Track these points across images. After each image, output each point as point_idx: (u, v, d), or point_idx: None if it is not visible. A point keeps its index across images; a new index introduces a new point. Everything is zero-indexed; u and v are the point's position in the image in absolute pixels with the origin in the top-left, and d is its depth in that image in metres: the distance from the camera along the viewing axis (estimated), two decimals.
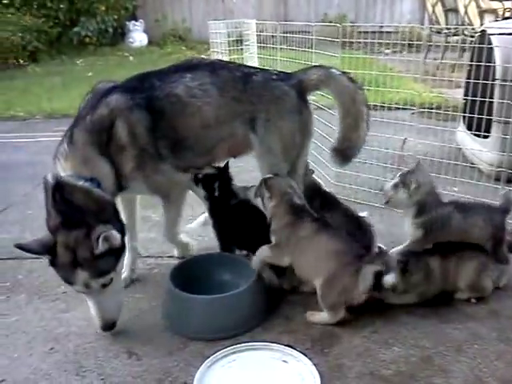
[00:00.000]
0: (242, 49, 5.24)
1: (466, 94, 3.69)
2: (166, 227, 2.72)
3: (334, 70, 2.68)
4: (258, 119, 2.47)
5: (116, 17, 11.37)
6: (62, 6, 10.71)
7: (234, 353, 2.05)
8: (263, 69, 2.68)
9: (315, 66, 2.78)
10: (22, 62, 9.90)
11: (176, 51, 10.89)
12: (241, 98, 2.46)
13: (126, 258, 2.57)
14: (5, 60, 9.54)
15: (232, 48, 5.23)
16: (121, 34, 11.88)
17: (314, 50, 3.85)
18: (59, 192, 2.10)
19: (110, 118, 2.27)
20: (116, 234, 2.08)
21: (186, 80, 2.42)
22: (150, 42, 11.88)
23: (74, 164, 2.20)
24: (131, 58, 10.23)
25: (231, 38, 5.32)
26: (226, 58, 5.20)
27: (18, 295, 2.60)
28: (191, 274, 2.44)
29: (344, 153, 2.71)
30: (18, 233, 3.25)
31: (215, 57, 5.33)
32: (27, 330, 2.30)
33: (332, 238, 2.28)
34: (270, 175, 2.45)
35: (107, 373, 2.04)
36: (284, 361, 2.02)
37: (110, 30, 11.28)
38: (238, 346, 2.08)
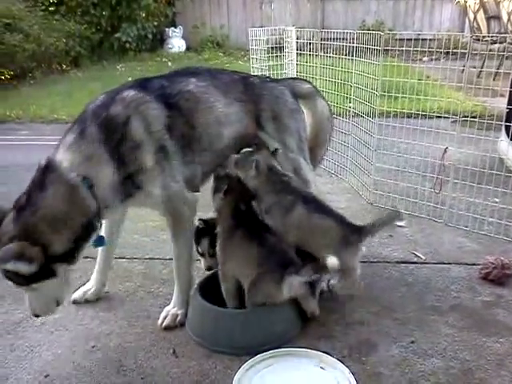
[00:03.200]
0: (279, 55, 5.26)
1: (509, 103, 3.62)
2: (177, 271, 2.39)
3: (316, 90, 2.92)
4: (263, 117, 2.53)
5: (156, 23, 11.60)
6: (104, 12, 10.99)
7: (271, 357, 2.06)
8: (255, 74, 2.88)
9: (297, 79, 2.95)
10: (64, 67, 10.21)
11: (213, 57, 11.03)
12: (243, 98, 2.51)
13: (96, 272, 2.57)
14: (49, 65, 9.85)
15: (271, 55, 5.25)
16: (160, 40, 12.11)
17: (354, 58, 3.85)
18: (43, 176, 2.02)
19: (125, 112, 2.15)
20: (23, 266, 1.90)
21: (193, 81, 2.42)
22: (188, 48, 12.07)
23: (75, 157, 2.06)
24: (170, 63, 10.40)
25: (270, 45, 5.35)
26: (264, 65, 5.23)
27: None
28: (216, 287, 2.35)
29: (314, 162, 2.84)
30: None
31: (254, 63, 5.36)
32: (70, 328, 2.37)
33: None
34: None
35: (147, 372, 2.08)
36: (321, 367, 2.02)
37: (150, 36, 11.51)
38: (276, 350, 2.08)
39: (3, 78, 8.75)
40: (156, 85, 2.31)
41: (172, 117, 2.27)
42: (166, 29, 12.02)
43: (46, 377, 2.07)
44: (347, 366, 2.01)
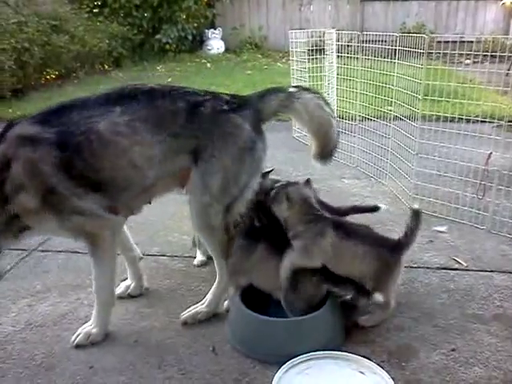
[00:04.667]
0: (317, 58, 5.26)
1: None
2: (97, 291, 2.31)
3: (293, 90, 2.48)
4: (202, 153, 2.23)
5: (196, 25, 11.74)
6: (146, 14, 11.20)
7: (310, 359, 2.06)
8: (215, 95, 2.33)
9: (270, 90, 2.45)
10: (106, 67, 10.45)
11: (252, 59, 11.08)
12: (182, 133, 2.22)
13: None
14: (92, 65, 10.10)
15: (310, 57, 5.25)
16: (199, 42, 12.25)
17: (396, 61, 3.82)
18: None
19: (7, 152, 2.06)
20: None
21: (112, 114, 2.13)
22: (227, 50, 12.16)
23: None
24: (208, 64, 10.51)
25: (310, 47, 5.35)
26: (304, 67, 5.24)
27: None
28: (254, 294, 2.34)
29: (326, 155, 2.60)
30: None
31: (294, 65, 5.38)
32: (113, 323, 2.42)
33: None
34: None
35: (187, 368, 2.12)
36: (361, 372, 2.01)
37: (190, 37, 11.65)
38: (315, 353, 2.08)
39: (48, 77, 9.03)
40: (62, 119, 2.13)
41: (67, 158, 2.09)
42: (206, 30, 12.15)
43: (90, 368, 2.14)
44: (386, 371, 2.01)
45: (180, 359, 2.18)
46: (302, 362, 2.05)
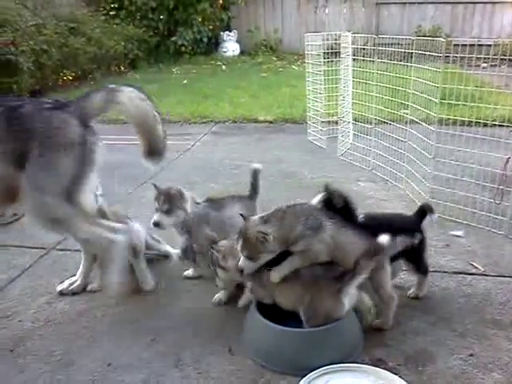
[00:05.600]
0: (332, 61, 5.26)
1: None
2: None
3: (113, 86, 2.56)
4: (29, 156, 2.22)
5: (211, 27, 11.80)
6: (162, 16, 11.28)
7: (327, 373, 2.03)
8: (35, 99, 2.47)
9: (94, 90, 2.55)
10: (122, 69, 10.55)
11: (267, 61, 11.10)
12: (2, 137, 2.21)
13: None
14: (108, 67, 10.19)
15: (326, 60, 5.26)
16: (215, 44, 12.31)
17: (413, 64, 3.81)
18: None
19: None
20: None
21: None
22: (242, 52, 12.21)
23: None
24: (224, 66, 10.55)
25: (326, 50, 5.36)
26: (319, 70, 5.25)
27: None
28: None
29: (155, 153, 2.68)
30: None
31: (309, 68, 5.39)
32: (132, 320, 2.46)
33: None
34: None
35: (203, 368, 2.14)
36: None
37: (205, 39, 11.71)
38: (332, 366, 2.05)
39: (66, 79, 9.14)
40: None
41: None
42: (221, 33, 12.21)
43: (108, 365, 2.17)
44: (403, 376, 2.00)
45: (196, 359, 2.20)
46: (319, 376, 2.02)
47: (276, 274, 2.23)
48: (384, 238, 2.16)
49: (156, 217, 2.74)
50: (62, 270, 2.96)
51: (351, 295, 2.17)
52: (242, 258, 2.26)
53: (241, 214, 2.35)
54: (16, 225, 3.57)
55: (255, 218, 2.30)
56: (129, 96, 2.50)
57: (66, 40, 8.61)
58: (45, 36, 8.11)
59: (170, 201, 2.76)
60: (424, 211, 2.58)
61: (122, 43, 10.17)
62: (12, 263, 3.04)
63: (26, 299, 2.69)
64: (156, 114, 2.60)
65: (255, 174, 3.09)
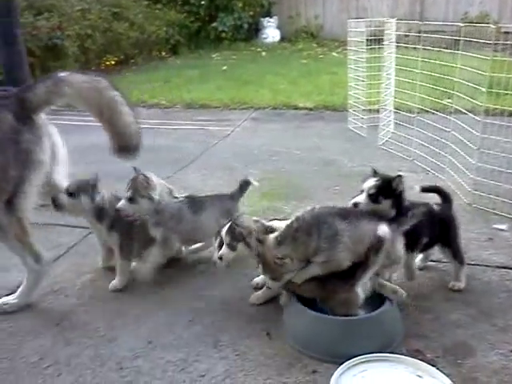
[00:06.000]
0: (375, 48, 5.18)
1: None
2: None
3: (62, 74, 2.35)
4: None
5: (252, 13, 11.76)
6: (203, 2, 11.32)
7: (366, 362, 2.03)
8: None
9: (40, 79, 2.39)
10: (163, 54, 10.66)
11: (307, 48, 11.00)
12: None
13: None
14: (149, 52, 10.33)
15: (369, 47, 5.18)
16: (255, 30, 12.27)
17: (460, 52, 3.71)
18: None
19: None
20: None
21: None
22: (283, 38, 12.13)
23: None
24: (263, 53, 10.52)
25: (368, 37, 5.27)
26: (362, 57, 5.17)
27: (168, 269, 2.83)
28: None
29: (124, 147, 2.45)
30: None
31: (352, 55, 5.32)
32: (171, 301, 2.52)
33: None
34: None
35: (241, 350, 2.17)
36: (418, 375, 1.96)
37: (246, 25, 11.69)
38: (371, 355, 2.04)
39: (108, 63, 9.31)
40: None
41: None
42: (261, 19, 12.16)
43: (149, 343, 2.23)
44: (441, 368, 1.98)
45: (234, 341, 2.23)
46: (357, 364, 2.01)
47: (298, 278, 2.24)
48: (383, 230, 2.15)
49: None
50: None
51: (365, 284, 2.19)
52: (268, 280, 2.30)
53: (258, 240, 2.26)
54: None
55: (270, 239, 2.22)
56: (79, 87, 2.32)
57: (109, 25, 8.77)
58: (89, 21, 8.28)
59: (134, 188, 2.57)
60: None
61: (164, 28, 10.28)
62: (58, 242, 3.15)
63: (72, 276, 2.79)
64: (118, 104, 2.38)
65: (245, 184, 2.96)
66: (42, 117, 2.30)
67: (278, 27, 12.25)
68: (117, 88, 2.46)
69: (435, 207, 2.62)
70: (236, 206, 2.90)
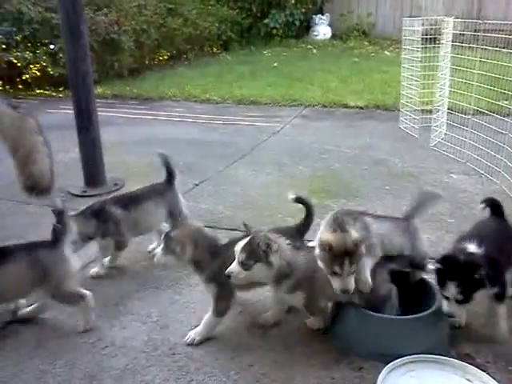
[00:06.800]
0: (429, 47, 5.08)
1: None
2: None
3: None
4: None
5: (304, 10, 11.73)
6: None
7: (413, 362, 2.02)
8: None
9: None
10: (215, 50, 10.79)
11: (358, 46, 10.89)
12: None
13: None
14: (201, 48, 10.48)
15: (424, 46, 5.09)
16: (306, 27, 12.23)
17: None
18: None
19: None
20: None
21: None
22: (334, 36, 12.04)
23: None
24: (314, 50, 10.49)
25: (423, 36, 5.18)
26: (417, 56, 5.09)
27: None
28: None
29: (35, 188, 2.38)
30: (213, 205, 3.64)
31: (406, 54, 5.25)
32: None
33: None
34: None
35: (288, 343, 2.22)
36: (468, 380, 1.95)
37: (297, 22, 11.67)
38: (418, 356, 2.04)
39: (161, 58, 9.52)
40: None
41: None
42: (313, 16, 12.10)
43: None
44: (491, 374, 1.96)
45: (282, 333, 2.28)
46: (405, 363, 2.01)
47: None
48: None
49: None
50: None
51: None
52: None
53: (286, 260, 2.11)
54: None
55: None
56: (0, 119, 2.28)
57: (164, 21, 8.96)
58: (145, 16, 8.49)
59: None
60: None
61: (216, 25, 10.40)
62: None
63: (127, 263, 2.90)
64: (41, 140, 2.36)
65: (165, 159, 2.96)
66: None
67: (330, 24, 12.17)
68: (41, 131, 2.42)
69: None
70: (174, 191, 2.96)
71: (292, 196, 2.54)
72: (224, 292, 2.24)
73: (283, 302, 2.32)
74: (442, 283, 2.08)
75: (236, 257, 2.07)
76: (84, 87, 3.90)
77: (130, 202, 2.84)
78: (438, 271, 2.10)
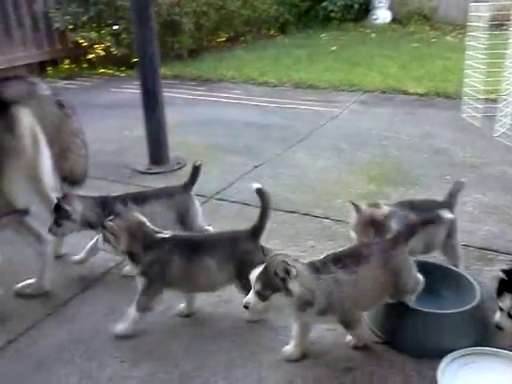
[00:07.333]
0: (498, 34, 4.91)
1: None
2: None
3: (40, 87, 2.38)
4: None
5: None
6: None
7: (472, 354, 2.01)
8: None
9: (17, 78, 2.45)
10: (272, 32, 10.78)
11: (419, 31, 10.59)
12: None
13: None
14: (258, 30, 10.49)
15: (491, 32, 4.93)
16: (365, 11, 11.99)
17: None
18: None
19: None
20: None
21: None
22: (393, 20, 11.74)
23: None
24: (373, 34, 10.29)
25: (490, 22, 5.02)
26: (483, 43, 4.94)
27: (273, 240, 2.97)
28: None
29: (68, 180, 2.57)
30: (272, 187, 3.69)
31: (471, 41, 5.11)
32: None
33: None
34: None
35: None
36: None
37: (356, 5, 11.45)
38: (478, 348, 2.03)
39: (219, 40, 9.61)
40: None
41: None
42: None
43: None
44: None
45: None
46: (463, 355, 2.00)
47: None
48: None
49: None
50: (220, 217, 3.27)
51: None
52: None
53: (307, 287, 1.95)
54: (180, 173, 3.99)
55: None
56: (44, 110, 2.42)
57: (223, 2, 9.00)
58: None
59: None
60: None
61: (275, 7, 10.37)
62: None
63: None
64: (79, 142, 2.57)
65: (196, 169, 2.83)
66: (20, 108, 2.33)
67: (390, 8, 11.87)
68: (81, 132, 2.62)
69: None
70: (189, 198, 2.79)
71: (255, 186, 2.32)
72: (151, 289, 2.23)
73: (307, 330, 2.10)
74: (500, 293, 2.05)
75: (252, 286, 1.90)
76: (151, 68, 4.05)
77: (136, 200, 2.70)
78: (500, 280, 2.06)
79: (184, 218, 2.72)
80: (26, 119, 2.30)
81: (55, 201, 2.52)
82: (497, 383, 1.95)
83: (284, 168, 4.06)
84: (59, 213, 2.51)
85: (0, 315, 2.41)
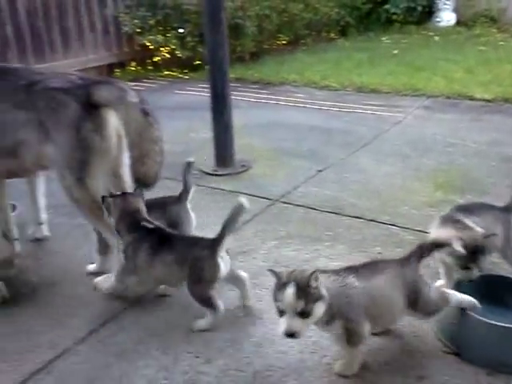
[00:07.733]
0: None
1: None
2: None
3: (129, 94, 2.48)
4: (47, 128, 2.40)
5: None
6: None
7: None
8: (58, 74, 2.56)
9: (109, 82, 2.57)
10: (332, 35, 10.74)
11: (485, 33, 10.26)
12: (25, 105, 2.39)
13: None
14: (318, 33, 10.48)
15: None
16: (428, 13, 11.74)
17: None
18: None
19: None
20: None
21: None
22: (458, 22, 11.43)
23: None
24: (436, 38, 10.06)
25: None
26: None
27: (339, 245, 3.04)
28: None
29: (140, 182, 2.65)
30: (337, 191, 3.75)
31: None
32: None
33: None
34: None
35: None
36: None
37: (419, 8, 11.24)
38: None
39: (279, 43, 9.67)
40: None
41: None
42: (437, 1, 11.55)
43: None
44: None
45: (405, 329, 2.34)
46: None
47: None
48: None
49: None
50: (286, 220, 3.34)
51: None
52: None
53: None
54: (245, 175, 4.09)
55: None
56: (129, 117, 2.56)
57: (286, 6, 9.07)
58: (269, 1, 8.65)
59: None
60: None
61: (336, 10, 10.33)
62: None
63: (257, 241, 3.11)
64: (157, 149, 2.72)
65: (187, 168, 2.83)
66: (109, 111, 2.47)
67: (455, 10, 11.56)
68: (161, 140, 2.75)
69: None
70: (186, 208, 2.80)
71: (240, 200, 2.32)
72: (124, 267, 2.48)
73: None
74: None
75: (288, 311, 1.82)
76: (220, 72, 4.15)
77: None
78: None
79: (177, 228, 2.71)
80: (113, 122, 2.46)
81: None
82: None
83: (348, 173, 4.07)
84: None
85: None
